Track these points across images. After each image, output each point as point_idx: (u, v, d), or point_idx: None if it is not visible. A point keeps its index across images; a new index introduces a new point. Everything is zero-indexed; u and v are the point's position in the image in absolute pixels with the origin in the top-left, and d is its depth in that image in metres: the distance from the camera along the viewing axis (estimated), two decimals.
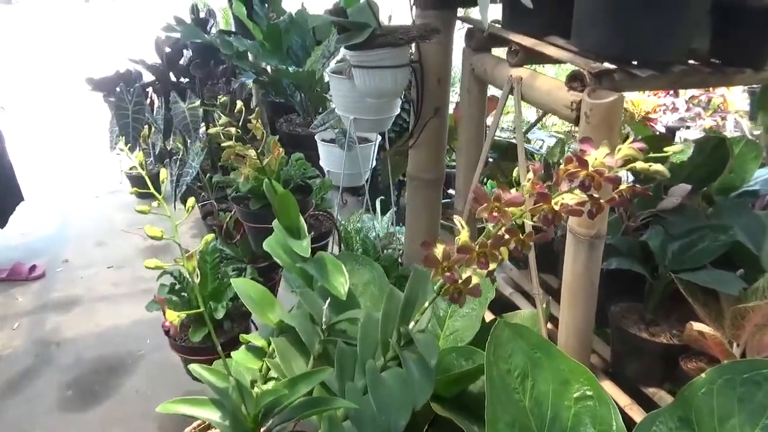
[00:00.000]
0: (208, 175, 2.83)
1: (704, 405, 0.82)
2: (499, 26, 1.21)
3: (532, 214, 0.59)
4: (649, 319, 1.16)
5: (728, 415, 0.81)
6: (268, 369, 1.06)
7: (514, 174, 0.76)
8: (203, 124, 2.73)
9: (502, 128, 2.81)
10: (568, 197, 0.59)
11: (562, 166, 0.58)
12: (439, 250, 0.74)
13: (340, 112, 1.75)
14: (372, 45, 1.20)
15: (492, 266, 0.63)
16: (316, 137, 1.99)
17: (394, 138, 2.51)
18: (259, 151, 0.89)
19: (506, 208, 0.60)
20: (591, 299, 1.07)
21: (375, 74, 1.26)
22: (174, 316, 0.63)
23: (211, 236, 0.65)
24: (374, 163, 2.09)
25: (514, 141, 1.91)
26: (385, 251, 1.97)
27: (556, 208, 0.57)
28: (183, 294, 1.44)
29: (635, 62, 0.97)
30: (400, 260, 1.67)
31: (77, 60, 6.79)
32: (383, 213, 2.21)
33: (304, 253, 0.89)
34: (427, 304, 0.71)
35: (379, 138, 2.04)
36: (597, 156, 0.58)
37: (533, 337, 0.88)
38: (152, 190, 0.64)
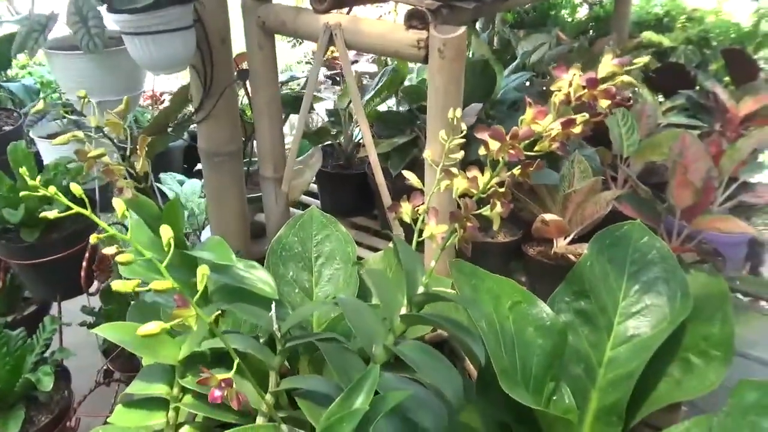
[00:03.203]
0: None
1: (590, 274, 1.00)
2: None
3: (549, 142, 0.61)
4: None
5: (606, 275, 1.01)
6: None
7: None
8: None
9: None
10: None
11: (556, 87, 0.61)
12: (407, 208, 0.71)
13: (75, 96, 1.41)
14: (160, 4, 0.99)
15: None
16: (31, 134, 1.56)
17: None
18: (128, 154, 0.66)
19: (518, 144, 0.61)
20: None
21: (163, 41, 1.04)
22: None
23: None
24: None
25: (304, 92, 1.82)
26: None
27: (576, 131, 0.60)
28: None
29: None
30: None
31: None
32: None
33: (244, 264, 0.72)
34: (433, 263, 0.67)
35: None
36: (573, 78, 0.62)
37: (465, 268, 0.92)
38: None
